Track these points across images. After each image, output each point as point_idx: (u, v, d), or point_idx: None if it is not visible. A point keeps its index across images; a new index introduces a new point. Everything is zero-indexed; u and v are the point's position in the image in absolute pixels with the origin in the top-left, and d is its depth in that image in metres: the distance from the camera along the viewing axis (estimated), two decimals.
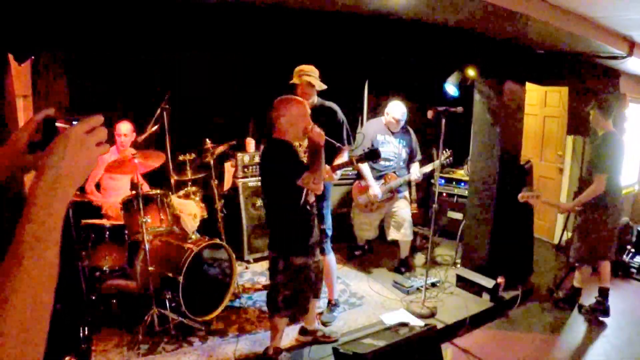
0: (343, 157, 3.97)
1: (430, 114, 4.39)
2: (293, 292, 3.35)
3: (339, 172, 3.86)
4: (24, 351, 0.73)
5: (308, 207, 3.28)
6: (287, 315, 3.48)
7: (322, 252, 4.01)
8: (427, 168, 5.05)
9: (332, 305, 4.35)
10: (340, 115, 4.10)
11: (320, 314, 4.25)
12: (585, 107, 4.57)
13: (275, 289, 3.41)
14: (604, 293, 4.52)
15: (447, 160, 4.89)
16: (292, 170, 3.11)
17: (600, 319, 4.50)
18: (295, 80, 3.91)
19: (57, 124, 0.96)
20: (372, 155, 3.59)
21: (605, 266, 4.54)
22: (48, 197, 0.82)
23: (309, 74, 3.87)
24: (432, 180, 6.01)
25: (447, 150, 4.76)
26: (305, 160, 3.39)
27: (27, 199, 0.81)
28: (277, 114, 3.19)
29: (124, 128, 4.67)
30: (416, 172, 5.02)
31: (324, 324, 4.15)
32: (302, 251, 3.33)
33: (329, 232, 4.11)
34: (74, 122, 0.92)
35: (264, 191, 3.44)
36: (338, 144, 3.54)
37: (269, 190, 3.38)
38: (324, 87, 3.91)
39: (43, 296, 0.77)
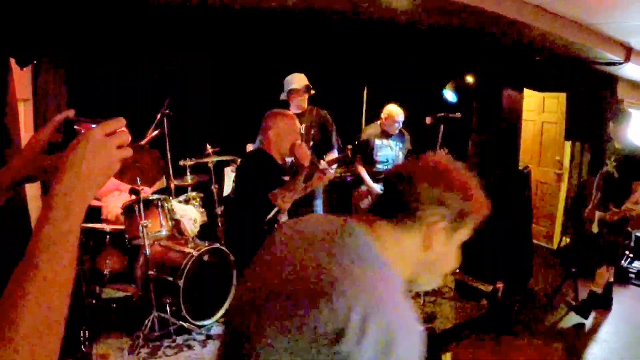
0: (333, 154, 4.08)
1: (428, 120, 4.43)
2: None
3: (333, 167, 3.95)
4: (38, 357, 0.71)
5: (275, 225, 3.14)
6: None
7: None
8: None
9: None
10: (330, 118, 4.26)
11: None
12: (584, 112, 4.61)
13: None
14: (609, 286, 4.72)
15: None
16: (264, 183, 3.04)
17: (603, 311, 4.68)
18: (295, 86, 4.03)
19: (77, 127, 0.94)
20: (363, 146, 3.68)
21: None
22: (66, 199, 0.80)
23: (304, 79, 4.11)
24: None
25: (443, 148, 4.72)
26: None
27: (45, 200, 0.80)
28: (265, 125, 3.16)
29: None
30: None
31: None
32: None
33: None
34: (94, 125, 0.90)
35: (236, 199, 3.36)
36: (319, 164, 3.45)
37: (239, 199, 3.32)
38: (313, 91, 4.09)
39: (58, 300, 0.76)
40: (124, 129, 0.92)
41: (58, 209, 0.79)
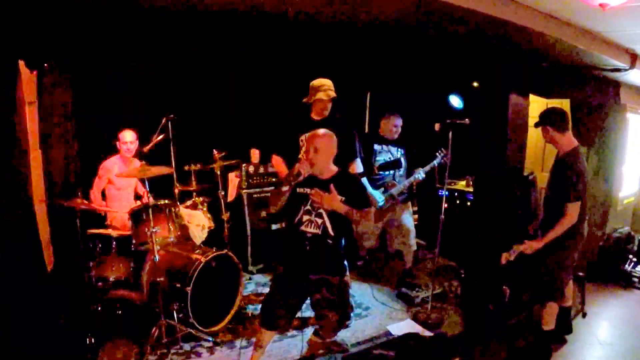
0: (358, 167, 4.03)
1: (437, 126, 4.42)
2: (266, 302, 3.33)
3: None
4: None
5: (302, 227, 3.20)
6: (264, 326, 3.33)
7: None
8: (426, 168, 4.99)
9: None
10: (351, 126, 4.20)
11: None
12: (588, 118, 4.58)
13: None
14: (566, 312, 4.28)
15: (444, 158, 4.75)
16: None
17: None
18: (321, 96, 3.94)
19: None
20: (394, 164, 3.64)
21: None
22: None
23: (332, 89, 3.97)
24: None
25: (442, 149, 4.68)
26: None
27: None
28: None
29: (128, 136, 4.67)
30: (416, 173, 4.91)
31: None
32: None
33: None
34: None
35: None
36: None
37: None
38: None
39: None
40: None
41: None
